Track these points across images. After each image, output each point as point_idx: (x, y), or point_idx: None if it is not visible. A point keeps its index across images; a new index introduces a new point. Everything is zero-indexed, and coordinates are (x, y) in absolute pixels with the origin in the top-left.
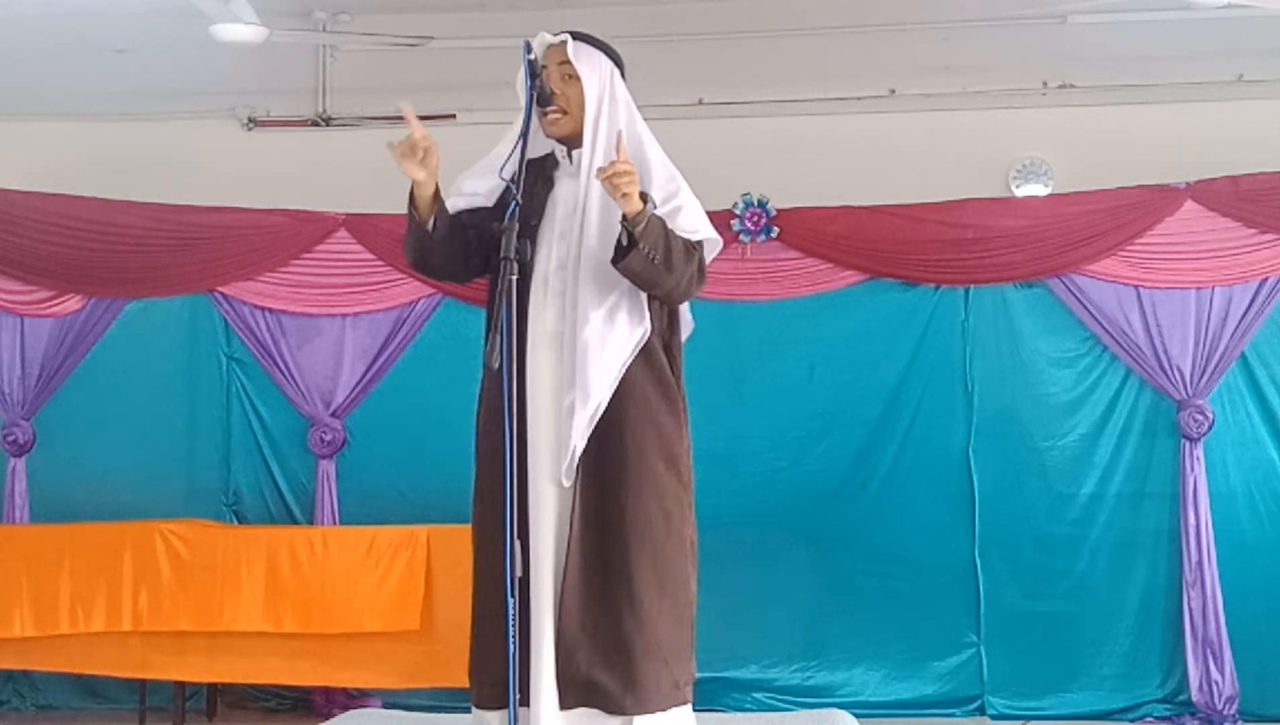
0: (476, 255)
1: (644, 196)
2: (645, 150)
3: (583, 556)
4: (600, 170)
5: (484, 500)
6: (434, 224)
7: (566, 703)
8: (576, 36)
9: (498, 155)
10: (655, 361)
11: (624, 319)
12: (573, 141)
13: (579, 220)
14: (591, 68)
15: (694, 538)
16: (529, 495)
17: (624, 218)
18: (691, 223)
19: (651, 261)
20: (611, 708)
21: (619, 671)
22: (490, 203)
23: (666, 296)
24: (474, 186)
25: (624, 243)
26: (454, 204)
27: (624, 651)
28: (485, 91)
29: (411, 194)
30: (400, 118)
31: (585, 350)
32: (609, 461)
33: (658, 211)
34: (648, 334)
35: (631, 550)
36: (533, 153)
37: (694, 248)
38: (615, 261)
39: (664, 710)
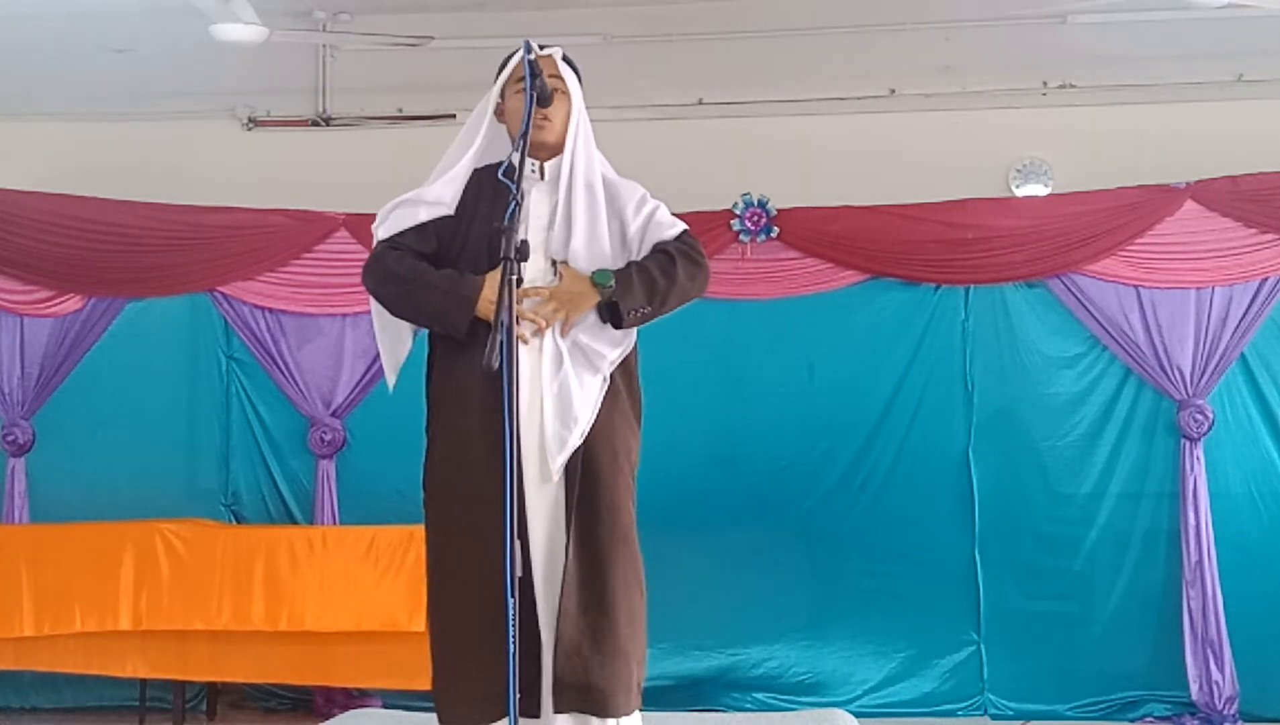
0: None
1: (594, 283)
2: (609, 175)
3: (580, 562)
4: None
5: (472, 504)
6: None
7: (560, 707)
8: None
9: (451, 161)
10: (629, 363)
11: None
12: (543, 152)
13: (562, 234)
14: (573, 84)
15: None
16: (525, 499)
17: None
18: (668, 216)
19: (645, 315)
20: (605, 711)
21: (609, 674)
22: (452, 210)
23: (688, 301)
24: (438, 195)
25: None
26: (417, 215)
27: (616, 655)
28: (485, 91)
29: (467, 302)
30: (400, 117)
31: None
32: (594, 467)
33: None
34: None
35: (618, 556)
36: (488, 160)
37: (674, 256)
38: (615, 325)
39: (632, 712)
